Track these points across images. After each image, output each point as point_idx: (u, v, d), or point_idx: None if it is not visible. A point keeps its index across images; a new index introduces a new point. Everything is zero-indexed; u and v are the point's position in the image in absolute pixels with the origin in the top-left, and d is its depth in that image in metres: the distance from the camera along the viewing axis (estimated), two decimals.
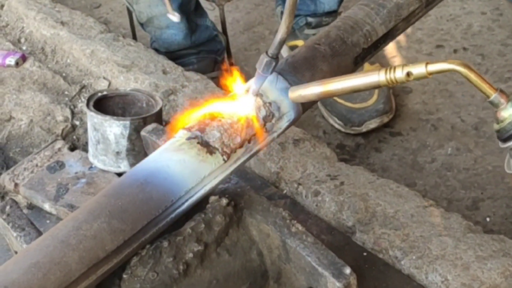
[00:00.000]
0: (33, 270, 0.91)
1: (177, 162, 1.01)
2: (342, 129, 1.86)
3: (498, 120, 0.90)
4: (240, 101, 1.06)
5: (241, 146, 1.04)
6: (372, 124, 1.82)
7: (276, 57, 1.01)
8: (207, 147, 1.02)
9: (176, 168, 1.01)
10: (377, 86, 0.95)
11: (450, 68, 0.89)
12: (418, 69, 0.90)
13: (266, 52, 1.01)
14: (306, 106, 1.12)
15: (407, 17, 1.18)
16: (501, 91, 0.89)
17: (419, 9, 1.18)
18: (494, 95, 0.89)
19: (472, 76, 0.88)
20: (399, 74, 0.91)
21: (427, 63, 0.89)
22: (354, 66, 1.15)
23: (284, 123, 1.07)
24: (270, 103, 1.06)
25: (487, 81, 0.89)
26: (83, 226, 0.95)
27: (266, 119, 1.06)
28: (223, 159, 1.03)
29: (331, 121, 1.89)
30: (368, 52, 1.16)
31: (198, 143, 1.02)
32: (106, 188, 1.02)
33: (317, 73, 1.10)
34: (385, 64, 2.02)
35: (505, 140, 0.90)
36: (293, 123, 1.09)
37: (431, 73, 0.89)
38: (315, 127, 1.88)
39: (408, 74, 0.90)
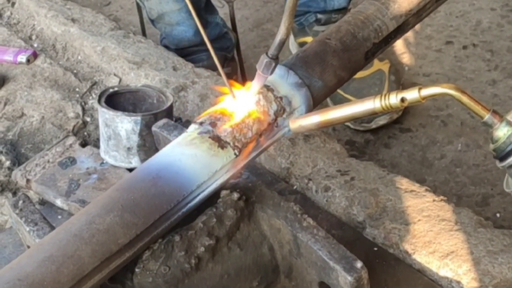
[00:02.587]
0: (47, 263, 0.92)
1: (189, 157, 1.02)
2: (352, 126, 1.86)
3: (493, 140, 0.91)
4: (243, 99, 1.06)
5: (252, 140, 1.05)
6: (382, 120, 1.82)
7: (276, 58, 1.01)
8: (219, 142, 1.02)
9: (188, 163, 1.01)
10: (373, 113, 0.98)
11: (442, 92, 0.91)
12: (412, 95, 0.92)
13: (266, 53, 1.01)
14: (316, 101, 1.12)
15: (417, 12, 1.18)
16: (494, 112, 0.91)
17: (429, 3, 1.18)
18: (487, 116, 0.90)
19: (465, 98, 0.90)
20: (394, 100, 0.93)
21: (420, 88, 0.92)
22: (365, 61, 1.15)
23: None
24: (281, 98, 1.06)
25: (480, 103, 0.91)
26: (96, 220, 0.96)
27: (277, 114, 1.06)
28: (235, 154, 1.03)
29: None
30: (379, 47, 1.16)
31: (209, 137, 1.02)
32: (119, 182, 1.03)
33: (327, 67, 1.10)
34: (395, 61, 2.02)
35: (501, 159, 0.92)
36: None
37: (424, 98, 0.92)
38: None
39: (402, 99, 0.93)
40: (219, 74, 1.73)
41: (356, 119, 0.99)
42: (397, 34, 1.19)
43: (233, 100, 1.06)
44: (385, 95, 0.94)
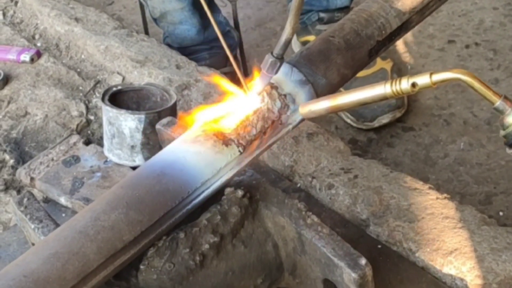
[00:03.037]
0: (52, 260, 0.93)
1: (193, 154, 1.02)
2: (354, 124, 1.86)
3: (503, 126, 0.91)
4: (247, 97, 1.06)
5: (256, 138, 1.05)
6: (385, 119, 1.82)
7: (281, 58, 1.01)
8: (223, 139, 1.03)
9: (193, 160, 1.02)
10: (384, 98, 0.97)
11: (454, 77, 0.90)
12: (423, 80, 0.91)
13: (271, 53, 1.01)
14: None
15: (421, 10, 1.18)
16: (505, 98, 0.90)
17: (433, 1, 1.18)
18: (498, 102, 0.90)
19: (476, 84, 0.90)
20: (405, 85, 0.93)
21: (431, 73, 0.91)
22: (368, 58, 1.15)
23: (299, 116, 1.08)
24: (285, 95, 1.06)
25: (491, 89, 0.91)
26: (101, 217, 0.96)
27: (281, 111, 1.06)
28: (239, 151, 1.03)
29: (343, 116, 1.89)
30: (383, 45, 1.16)
31: (214, 134, 1.03)
32: (123, 180, 1.03)
33: (331, 65, 1.11)
34: (397, 60, 2.02)
35: (511, 146, 0.91)
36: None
37: (435, 83, 0.91)
38: (327, 123, 1.89)
39: (413, 84, 0.92)
40: (222, 72, 1.73)
41: (366, 104, 0.98)
42: (401, 32, 1.19)
43: (237, 98, 1.07)
44: (396, 80, 0.93)
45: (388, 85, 0.94)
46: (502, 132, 0.92)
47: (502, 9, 2.17)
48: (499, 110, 0.90)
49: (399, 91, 0.93)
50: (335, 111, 1.03)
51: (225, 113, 1.06)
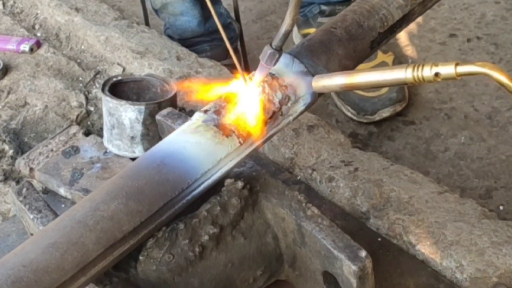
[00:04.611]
0: (51, 250, 0.92)
1: (193, 144, 1.01)
2: (355, 118, 1.86)
3: None
4: (245, 90, 1.05)
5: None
6: (385, 112, 1.82)
7: (280, 49, 1.00)
8: (224, 130, 1.02)
9: (193, 150, 1.01)
10: (403, 83, 0.92)
11: (480, 71, 0.84)
12: (447, 70, 0.86)
13: (270, 44, 1.00)
14: None
15: (423, 1, 1.17)
16: None
17: None
18: None
19: (504, 79, 0.84)
20: (427, 73, 0.88)
21: (456, 64, 0.86)
22: (370, 50, 1.15)
23: (300, 107, 1.07)
24: (286, 86, 1.06)
25: None
26: (101, 207, 0.96)
27: (282, 102, 1.06)
28: (239, 142, 1.03)
29: (344, 110, 1.88)
30: (384, 37, 1.15)
31: (214, 125, 1.02)
32: (123, 170, 1.02)
33: (333, 56, 1.10)
34: (398, 53, 2.01)
35: None
36: (309, 107, 1.09)
37: (460, 75, 0.86)
38: (328, 116, 1.88)
39: (437, 74, 0.87)
40: (222, 65, 1.73)
41: (381, 86, 0.95)
42: (403, 24, 1.18)
43: (238, 89, 1.06)
44: (418, 66, 0.88)
45: (409, 70, 0.90)
46: None
47: (504, 3, 2.16)
48: None
49: (420, 78, 0.89)
50: (349, 89, 1.00)
51: (226, 103, 1.06)
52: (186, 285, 1.03)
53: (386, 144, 1.80)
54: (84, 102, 1.67)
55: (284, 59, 1.06)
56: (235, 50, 2.03)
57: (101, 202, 0.96)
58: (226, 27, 1.99)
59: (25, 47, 1.84)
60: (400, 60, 1.94)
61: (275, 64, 1.02)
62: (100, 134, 1.51)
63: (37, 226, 1.10)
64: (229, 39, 2.06)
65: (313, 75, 1.08)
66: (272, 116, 1.05)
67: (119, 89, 1.41)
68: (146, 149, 1.34)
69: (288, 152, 1.40)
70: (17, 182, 1.50)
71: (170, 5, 1.91)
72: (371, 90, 1.81)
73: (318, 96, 1.10)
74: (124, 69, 1.73)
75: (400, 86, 0.93)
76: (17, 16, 2.02)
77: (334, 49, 1.10)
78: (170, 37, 1.93)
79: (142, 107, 1.33)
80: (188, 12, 1.90)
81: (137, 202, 0.97)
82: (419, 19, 1.28)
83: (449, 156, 1.74)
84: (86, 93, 1.70)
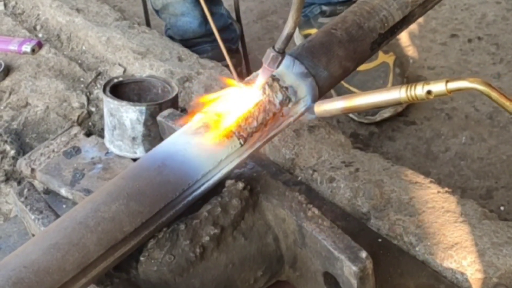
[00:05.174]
0: (52, 251, 0.92)
1: (194, 146, 1.02)
2: (356, 118, 1.86)
3: None
4: (249, 92, 1.06)
5: (257, 130, 1.04)
6: (386, 113, 1.82)
7: (282, 52, 1.01)
8: (224, 131, 1.02)
9: (194, 152, 1.01)
10: (398, 103, 0.97)
11: (470, 86, 0.90)
12: (438, 87, 0.91)
13: (273, 47, 1.01)
14: (322, 91, 1.12)
15: (423, 3, 1.18)
16: None
17: None
18: None
19: (494, 94, 0.89)
20: (420, 91, 0.93)
21: (447, 81, 0.91)
22: (371, 51, 1.15)
23: (300, 108, 1.07)
24: (287, 88, 1.06)
25: (509, 98, 0.90)
26: (102, 208, 0.96)
27: (282, 104, 1.06)
28: (240, 143, 1.03)
29: None
30: (385, 38, 1.16)
31: (215, 126, 1.02)
32: (124, 171, 1.03)
33: (333, 58, 1.10)
34: (399, 54, 2.01)
35: None
36: (309, 108, 1.09)
37: (450, 91, 0.91)
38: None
39: (429, 92, 0.93)
40: (224, 65, 1.73)
41: (380, 107, 1.00)
42: (403, 25, 1.18)
43: (239, 90, 1.06)
44: (411, 86, 0.94)
45: (403, 90, 0.95)
46: None
47: (504, 3, 2.16)
48: None
49: (414, 97, 0.94)
50: (349, 112, 1.05)
51: (226, 105, 1.06)
52: (187, 285, 1.03)
53: (387, 145, 1.80)
54: (85, 102, 1.68)
55: (285, 60, 1.06)
56: (236, 51, 2.03)
57: (102, 203, 0.97)
58: (227, 27, 2.00)
59: (27, 48, 1.85)
60: (401, 60, 1.94)
61: (278, 66, 1.02)
62: (101, 134, 1.51)
63: (38, 226, 1.10)
64: (230, 40, 2.07)
65: (313, 76, 1.08)
66: (273, 117, 1.05)
67: (120, 90, 1.41)
68: (147, 150, 1.35)
69: (289, 153, 1.40)
70: (19, 183, 1.50)
71: (171, 6, 1.91)
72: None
73: (319, 97, 1.11)
74: (125, 70, 1.74)
75: (395, 105, 0.99)
76: (18, 17, 2.03)
77: (335, 51, 1.11)
78: (171, 37, 1.93)
79: (143, 108, 1.33)
80: (189, 12, 1.90)
81: (138, 203, 0.97)
82: (420, 20, 1.28)
83: (450, 156, 1.74)
84: (88, 93, 1.70)
